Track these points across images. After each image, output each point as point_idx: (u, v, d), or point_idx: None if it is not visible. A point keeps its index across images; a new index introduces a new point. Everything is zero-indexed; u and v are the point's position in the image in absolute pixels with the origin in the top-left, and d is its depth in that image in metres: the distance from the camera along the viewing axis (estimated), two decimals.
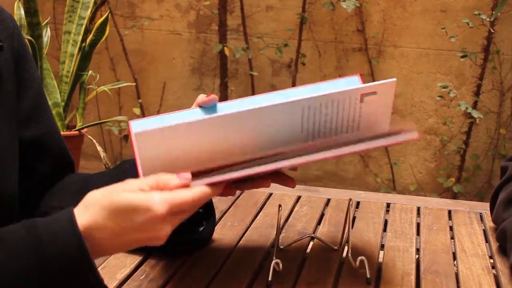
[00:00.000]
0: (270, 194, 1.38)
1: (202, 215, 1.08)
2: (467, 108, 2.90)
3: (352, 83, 0.98)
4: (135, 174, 0.88)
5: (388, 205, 1.37)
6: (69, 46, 2.57)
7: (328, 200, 1.37)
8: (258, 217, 1.26)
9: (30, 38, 2.35)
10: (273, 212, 1.27)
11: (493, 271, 1.07)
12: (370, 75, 3.17)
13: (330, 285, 0.98)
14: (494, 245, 1.18)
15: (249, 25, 3.24)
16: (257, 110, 0.89)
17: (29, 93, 1.03)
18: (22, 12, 2.41)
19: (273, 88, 3.21)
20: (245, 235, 1.17)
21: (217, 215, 1.21)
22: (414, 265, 1.07)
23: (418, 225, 1.27)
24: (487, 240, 1.20)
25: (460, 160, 3.13)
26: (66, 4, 2.58)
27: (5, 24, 1.01)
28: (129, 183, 0.81)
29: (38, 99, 1.05)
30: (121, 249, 0.83)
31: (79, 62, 2.55)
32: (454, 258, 1.12)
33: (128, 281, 0.98)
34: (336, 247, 1.11)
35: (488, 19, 2.93)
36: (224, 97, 3.21)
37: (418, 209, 1.35)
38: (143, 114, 3.31)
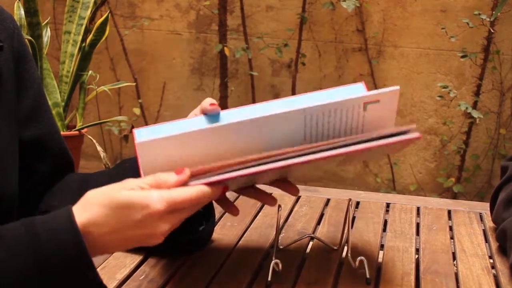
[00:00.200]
0: (270, 194, 1.38)
1: (202, 215, 1.08)
2: (467, 108, 2.90)
3: (356, 90, 0.97)
4: (135, 173, 0.88)
5: (387, 205, 1.37)
6: (69, 46, 2.57)
7: (328, 200, 1.37)
8: (257, 217, 1.26)
9: (30, 38, 2.35)
10: (272, 212, 1.27)
11: (493, 271, 1.07)
12: (370, 75, 3.17)
13: (330, 285, 0.98)
14: (494, 245, 1.18)
15: (249, 25, 3.24)
16: (260, 119, 0.89)
17: (29, 93, 1.03)
18: (22, 12, 2.41)
19: (273, 88, 3.21)
20: (245, 235, 1.17)
21: (217, 215, 1.21)
22: (413, 265, 1.07)
23: (417, 225, 1.27)
24: (486, 240, 1.20)
25: (460, 160, 3.13)
26: (66, 4, 2.58)
27: (5, 24, 1.01)
28: (129, 182, 0.82)
29: (38, 99, 1.05)
30: (119, 247, 0.83)
31: (79, 62, 2.55)
32: (454, 258, 1.12)
33: (128, 281, 0.97)
34: (335, 247, 1.11)
35: (488, 19, 2.93)
36: (224, 97, 3.22)
37: (418, 209, 1.35)
38: (143, 114, 3.31)
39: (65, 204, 0.82)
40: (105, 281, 0.81)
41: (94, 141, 2.58)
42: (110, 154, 3.44)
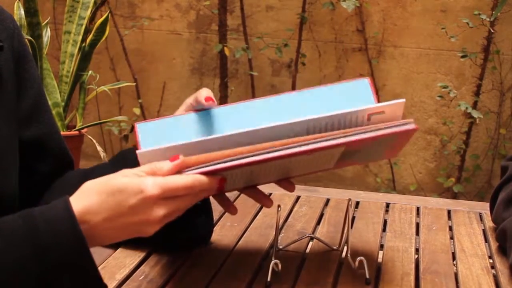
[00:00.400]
0: (269, 194, 1.38)
1: (200, 210, 1.08)
2: (467, 108, 2.90)
3: (361, 87, 0.97)
4: (134, 165, 0.89)
5: (387, 205, 1.37)
6: (69, 46, 2.57)
7: (328, 200, 1.37)
8: (257, 217, 1.26)
9: (30, 38, 2.35)
10: (272, 212, 1.27)
11: (493, 271, 1.07)
12: (370, 75, 3.17)
13: (330, 285, 0.98)
14: (494, 245, 1.18)
15: (249, 25, 3.24)
16: (263, 130, 0.89)
17: (29, 93, 1.03)
18: (22, 12, 2.41)
19: (273, 88, 3.21)
20: (245, 235, 1.17)
21: (217, 216, 1.21)
22: (413, 265, 1.07)
23: (417, 225, 1.27)
24: (486, 240, 1.20)
25: (460, 160, 3.13)
26: (66, 4, 2.58)
27: (5, 24, 1.01)
28: (125, 171, 0.83)
29: (38, 99, 1.05)
30: (115, 236, 0.84)
31: (79, 62, 2.55)
32: (454, 258, 1.12)
33: (128, 281, 0.97)
34: (335, 247, 1.11)
35: (488, 19, 2.93)
36: (224, 97, 3.22)
37: (418, 209, 1.35)
38: (143, 114, 3.31)
39: None
40: (104, 281, 0.81)
41: (94, 141, 2.58)
42: (110, 154, 3.43)
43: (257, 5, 3.24)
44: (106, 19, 2.56)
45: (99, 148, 2.53)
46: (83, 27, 2.54)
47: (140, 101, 3.31)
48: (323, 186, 1.52)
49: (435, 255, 1.12)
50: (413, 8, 3.11)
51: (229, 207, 1.00)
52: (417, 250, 1.14)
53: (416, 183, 3.21)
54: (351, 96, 0.95)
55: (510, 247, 1.08)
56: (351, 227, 1.18)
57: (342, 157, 0.97)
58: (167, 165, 0.83)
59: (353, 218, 1.27)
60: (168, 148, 0.87)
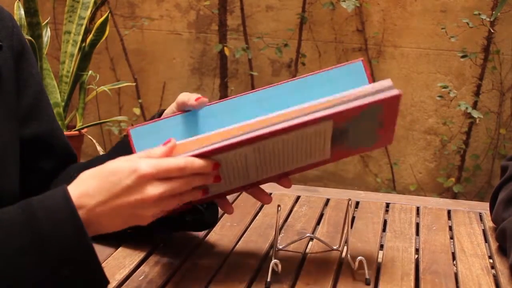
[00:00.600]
0: (269, 194, 1.37)
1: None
2: (467, 108, 2.90)
3: (355, 70, 0.97)
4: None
5: (387, 205, 1.37)
6: (69, 46, 2.57)
7: (328, 200, 1.37)
8: (257, 217, 1.26)
9: (30, 38, 2.35)
10: (272, 212, 1.27)
11: (493, 271, 1.07)
12: (370, 75, 3.16)
13: (329, 286, 0.98)
14: (494, 245, 1.18)
15: (249, 25, 3.24)
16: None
17: (29, 91, 1.03)
18: (22, 12, 2.41)
19: None
20: (244, 235, 1.17)
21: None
22: (413, 265, 1.07)
23: (417, 225, 1.27)
24: (486, 240, 1.20)
25: (460, 160, 3.13)
26: (66, 4, 2.58)
27: (4, 23, 1.01)
28: (120, 157, 0.86)
29: (39, 96, 1.05)
30: (112, 221, 0.85)
31: (79, 62, 2.55)
32: (454, 258, 1.12)
33: (127, 281, 0.97)
34: (335, 247, 1.11)
35: (488, 19, 2.93)
36: (224, 97, 3.21)
37: (418, 209, 1.35)
38: (143, 114, 3.31)
39: None
40: None
41: (94, 141, 2.58)
42: None
43: (257, 5, 3.24)
44: (106, 19, 2.56)
45: (99, 148, 2.53)
46: (83, 27, 2.54)
47: (140, 101, 3.31)
48: (323, 186, 1.52)
49: (435, 255, 1.12)
50: (413, 8, 3.11)
51: (225, 205, 1.00)
52: (417, 250, 1.14)
53: (416, 183, 3.21)
54: (346, 79, 0.96)
55: (510, 247, 1.08)
56: (351, 227, 1.18)
57: (335, 141, 0.97)
58: (160, 148, 0.86)
59: (353, 218, 1.27)
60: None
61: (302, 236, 1.15)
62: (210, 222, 1.13)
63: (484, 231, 1.25)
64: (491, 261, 1.12)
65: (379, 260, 1.09)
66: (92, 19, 2.59)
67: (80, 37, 2.54)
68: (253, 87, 3.23)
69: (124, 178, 0.82)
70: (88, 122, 2.85)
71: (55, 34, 3.18)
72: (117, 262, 1.03)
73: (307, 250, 1.12)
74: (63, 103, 2.55)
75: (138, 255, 1.06)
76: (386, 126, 0.99)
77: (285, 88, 0.96)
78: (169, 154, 0.86)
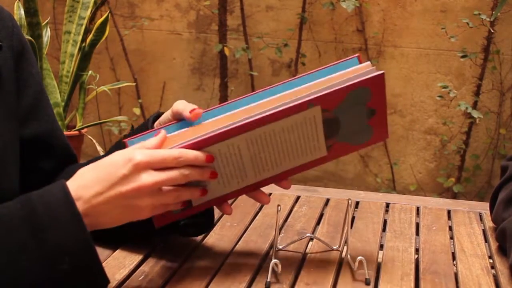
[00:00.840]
0: (269, 194, 1.38)
1: None
2: (467, 108, 2.90)
3: (351, 66, 0.98)
4: None
5: (387, 205, 1.37)
6: (69, 46, 2.57)
7: (328, 200, 1.37)
8: (257, 217, 1.26)
9: (30, 38, 2.35)
10: (272, 212, 1.27)
11: (493, 271, 1.07)
12: None
13: (329, 285, 0.98)
14: (494, 245, 1.18)
15: (249, 25, 3.24)
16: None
17: (29, 91, 1.03)
18: (22, 12, 2.41)
19: None
20: (244, 235, 1.17)
21: (217, 216, 1.20)
22: (413, 265, 1.07)
23: (417, 225, 1.27)
24: (486, 240, 1.20)
25: (460, 160, 3.13)
26: (66, 4, 2.57)
27: (4, 23, 1.01)
28: (117, 151, 0.89)
29: (39, 96, 1.05)
30: (110, 213, 0.86)
31: (79, 62, 2.55)
32: (454, 258, 1.12)
33: (127, 281, 0.97)
34: (335, 247, 1.11)
35: (488, 19, 2.93)
36: (224, 97, 3.22)
37: (418, 209, 1.35)
38: (143, 114, 3.31)
39: None
40: None
41: (94, 141, 2.58)
42: None
43: (257, 5, 3.23)
44: (106, 19, 2.55)
45: (99, 148, 2.53)
46: (83, 27, 2.54)
47: (140, 101, 3.31)
48: (323, 186, 1.52)
49: (435, 255, 1.12)
50: (413, 8, 3.11)
51: (224, 206, 1.01)
52: (417, 250, 1.14)
53: (416, 183, 3.21)
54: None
55: (510, 247, 1.08)
56: (351, 227, 1.18)
57: (328, 134, 0.97)
58: (153, 139, 0.90)
59: (353, 218, 1.27)
60: None
61: (302, 236, 1.15)
62: (205, 227, 1.13)
63: (484, 231, 1.25)
64: (491, 261, 1.12)
65: (379, 260, 1.09)
66: (92, 19, 2.58)
67: (80, 37, 2.54)
68: (253, 87, 3.23)
69: (120, 167, 0.85)
70: (88, 122, 2.85)
71: (55, 34, 3.18)
72: (117, 262, 1.03)
73: (307, 250, 1.12)
74: (63, 103, 2.55)
75: (138, 255, 1.06)
76: (377, 115, 0.99)
77: (283, 88, 0.96)
78: (160, 144, 0.90)
